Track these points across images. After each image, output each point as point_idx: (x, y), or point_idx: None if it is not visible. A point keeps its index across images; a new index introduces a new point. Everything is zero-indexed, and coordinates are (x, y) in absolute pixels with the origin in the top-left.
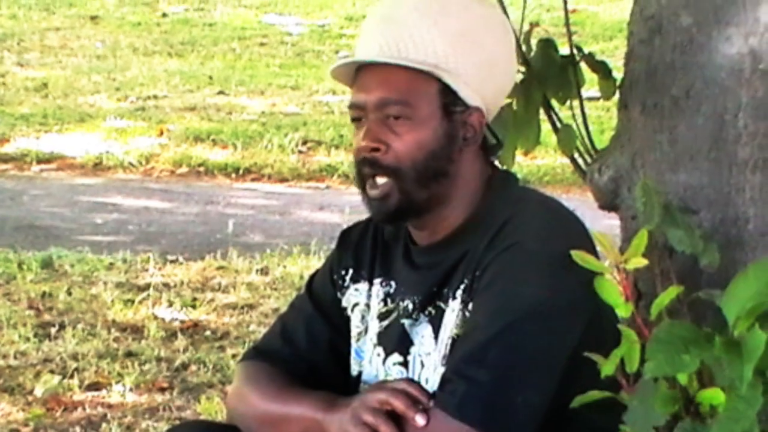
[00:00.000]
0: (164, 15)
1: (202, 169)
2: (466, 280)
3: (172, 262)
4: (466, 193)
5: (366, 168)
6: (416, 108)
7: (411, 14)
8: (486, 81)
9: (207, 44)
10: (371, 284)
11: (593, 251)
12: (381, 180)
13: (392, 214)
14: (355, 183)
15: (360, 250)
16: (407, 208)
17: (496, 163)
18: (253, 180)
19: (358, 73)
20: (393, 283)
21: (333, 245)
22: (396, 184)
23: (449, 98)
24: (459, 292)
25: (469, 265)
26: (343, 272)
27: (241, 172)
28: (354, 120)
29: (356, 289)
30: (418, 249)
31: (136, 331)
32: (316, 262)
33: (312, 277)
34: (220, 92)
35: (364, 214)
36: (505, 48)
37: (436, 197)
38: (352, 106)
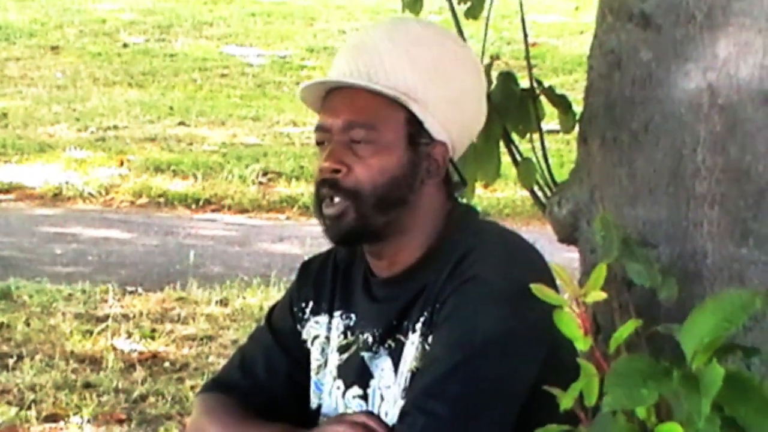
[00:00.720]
0: (125, 45)
1: (162, 199)
2: (425, 313)
3: (131, 292)
4: (426, 225)
5: (325, 189)
6: (381, 133)
7: (384, 42)
8: (453, 116)
9: (168, 75)
10: (331, 317)
11: (552, 284)
12: (338, 200)
13: (347, 234)
14: (312, 206)
15: (320, 283)
16: (362, 231)
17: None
18: (213, 211)
19: (327, 96)
20: (353, 316)
21: (293, 277)
22: (353, 206)
23: (415, 128)
24: (418, 325)
25: (428, 298)
26: (303, 304)
27: (201, 203)
28: (318, 143)
29: (316, 322)
30: (377, 281)
31: (95, 362)
32: (275, 294)
33: (272, 309)
34: (181, 123)
35: (324, 246)
36: (475, 88)
37: (393, 225)
38: (318, 129)
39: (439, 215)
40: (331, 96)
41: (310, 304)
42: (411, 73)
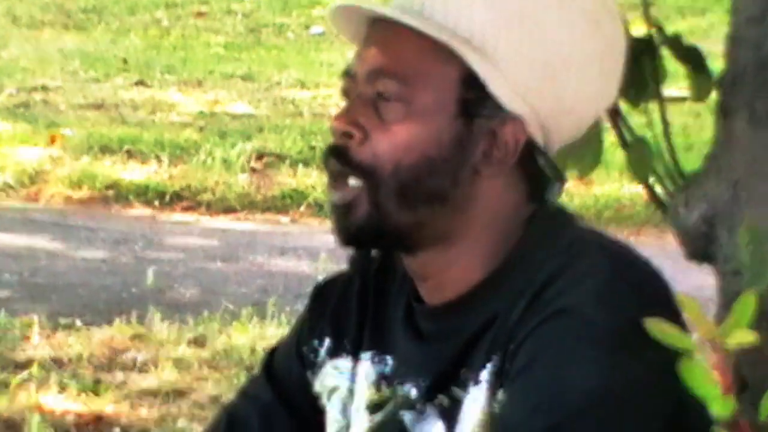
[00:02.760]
0: None
1: (111, 193)
2: (494, 358)
3: (65, 327)
4: (488, 234)
5: (332, 160)
6: (418, 90)
7: None
8: (542, 85)
9: (120, 14)
10: (357, 360)
11: (677, 320)
12: (352, 181)
13: (357, 233)
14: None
15: (341, 313)
16: (378, 229)
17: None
18: (185, 210)
19: (369, 31)
20: (389, 359)
21: (302, 306)
22: (368, 191)
23: (474, 93)
24: (484, 375)
25: (498, 338)
26: (316, 343)
27: (168, 198)
28: (343, 93)
29: (335, 368)
30: (424, 310)
31: (12, 427)
32: (275, 331)
33: (271, 352)
34: (139, 82)
35: (345, 261)
36: (589, 52)
37: (427, 228)
38: (344, 73)
39: (510, 222)
40: (372, 31)
41: (326, 342)
42: (482, 12)
